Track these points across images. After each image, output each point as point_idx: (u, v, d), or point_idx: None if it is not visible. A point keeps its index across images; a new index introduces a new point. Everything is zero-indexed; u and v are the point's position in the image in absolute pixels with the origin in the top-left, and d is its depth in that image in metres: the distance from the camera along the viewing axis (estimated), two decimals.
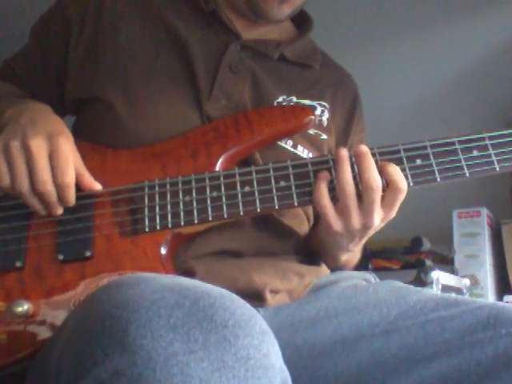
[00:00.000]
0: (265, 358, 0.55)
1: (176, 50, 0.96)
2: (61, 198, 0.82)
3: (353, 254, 0.98)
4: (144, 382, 0.52)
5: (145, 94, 0.93)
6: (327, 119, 1.01)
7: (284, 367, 0.58)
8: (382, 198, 0.83)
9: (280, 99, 0.98)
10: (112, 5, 0.99)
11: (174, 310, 0.55)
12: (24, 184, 0.81)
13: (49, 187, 0.81)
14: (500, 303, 0.82)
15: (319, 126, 0.99)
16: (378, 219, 0.83)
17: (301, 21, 1.09)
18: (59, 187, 0.81)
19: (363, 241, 0.90)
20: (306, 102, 1.00)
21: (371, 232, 0.86)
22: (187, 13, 1.00)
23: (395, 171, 0.83)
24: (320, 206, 0.84)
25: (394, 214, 0.85)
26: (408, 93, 2.06)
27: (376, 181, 0.82)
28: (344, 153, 0.84)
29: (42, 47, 1.02)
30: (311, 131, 0.98)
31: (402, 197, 0.83)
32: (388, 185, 0.83)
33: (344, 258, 0.98)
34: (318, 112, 1.00)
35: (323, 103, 1.02)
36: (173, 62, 0.96)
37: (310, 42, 1.09)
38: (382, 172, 0.83)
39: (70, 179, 0.82)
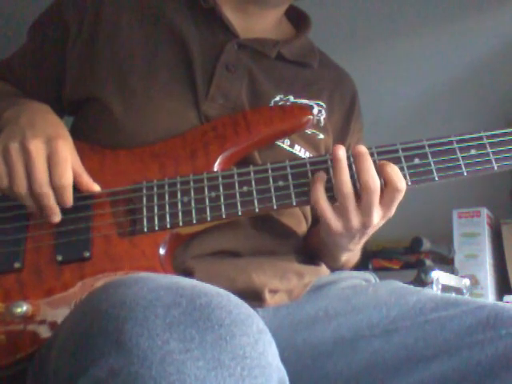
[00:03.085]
0: (261, 356, 0.55)
1: (175, 49, 0.96)
2: (58, 200, 0.82)
3: (353, 253, 0.98)
4: (140, 381, 0.52)
5: (143, 93, 0.93)
6: (324, 119, 1.01)
7: (281, 366, 0.58)
8: (381, 197, 0.82)
9: (277, 98, 0.97)
10: (110, 4, 0.98)
11: (171, 308, 0.55)
12: (22, 186, 0.81)
13: (46, 189, 0.81)
14: (500, 303, 0.82)
15: (316, 125, 0.99)
16: (377, 218, 0.83)
17: (299, 21, 1.09)
18: (56, 189, 0.81)
19: (364, 240, 0.90)
20: (304, 101, 0.99)
21: (371, 231, 0.86)
22: (185, 11, 0.99)
23: (393, 171, 0.82)
24: (318, 208, 0.83)
25: (393, 212, 0.85)
26: (408, 93, 2.05)
27: (375, 182, 0.81)
28: (341, 153, 0.83)
29: (39, 47, 1.02)
30: (308, 131, 0.98)
31: (400, 196, 0.83)
32: (386, 184, 0.82)
33: (344, 257, 0.97)
34: (315, 111, 1.00)
35: (320, 103, 1.01)
36: (171, 61, 0.95)
37: (308, 42, 1.09)
38: (380, 172, 0.82)
39: (66, 181, 0.82)
